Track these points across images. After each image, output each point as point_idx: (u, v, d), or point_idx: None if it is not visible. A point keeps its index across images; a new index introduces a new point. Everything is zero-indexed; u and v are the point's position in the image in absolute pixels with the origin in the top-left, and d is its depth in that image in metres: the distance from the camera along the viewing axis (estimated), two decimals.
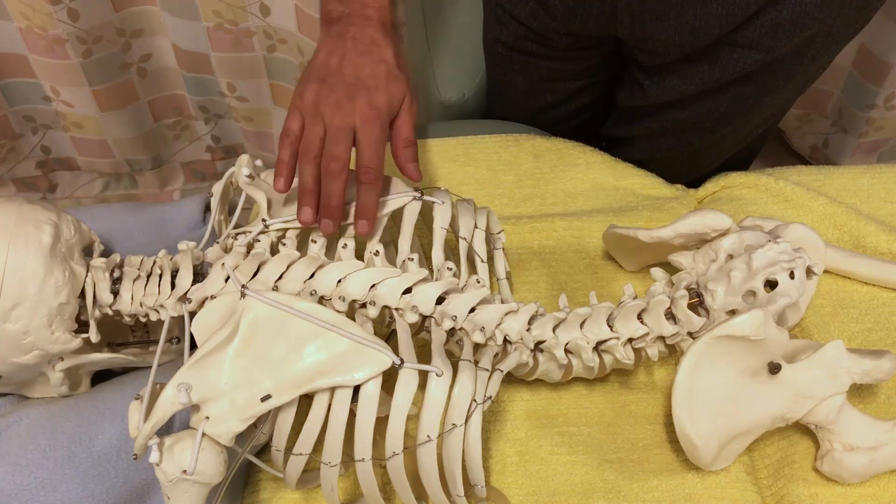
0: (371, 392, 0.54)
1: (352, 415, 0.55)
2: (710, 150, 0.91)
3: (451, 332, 0.60)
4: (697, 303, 0.61)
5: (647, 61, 0.82)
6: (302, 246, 0.63)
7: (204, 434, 0.54)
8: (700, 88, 0.80)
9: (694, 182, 0.86)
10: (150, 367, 0.60)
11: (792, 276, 0.59)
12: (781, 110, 0.90)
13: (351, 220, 0.63)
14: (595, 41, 0.84)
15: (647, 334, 0.60)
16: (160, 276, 0.63)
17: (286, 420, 0.56)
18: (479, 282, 0.62)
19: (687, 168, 0.93)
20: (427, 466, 0.55)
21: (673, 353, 0.62)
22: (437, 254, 0.63)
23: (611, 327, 0.61)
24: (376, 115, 0.61)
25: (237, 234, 0.64)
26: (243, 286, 0.57)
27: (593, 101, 0.95)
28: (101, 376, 0.68)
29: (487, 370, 0.57)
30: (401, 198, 0.64)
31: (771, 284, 0.59)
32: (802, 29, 0.72)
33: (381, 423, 0.54)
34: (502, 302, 0.63)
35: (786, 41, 0.73)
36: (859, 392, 0.68)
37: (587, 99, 0.94)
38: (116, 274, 0.63)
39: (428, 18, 0.97)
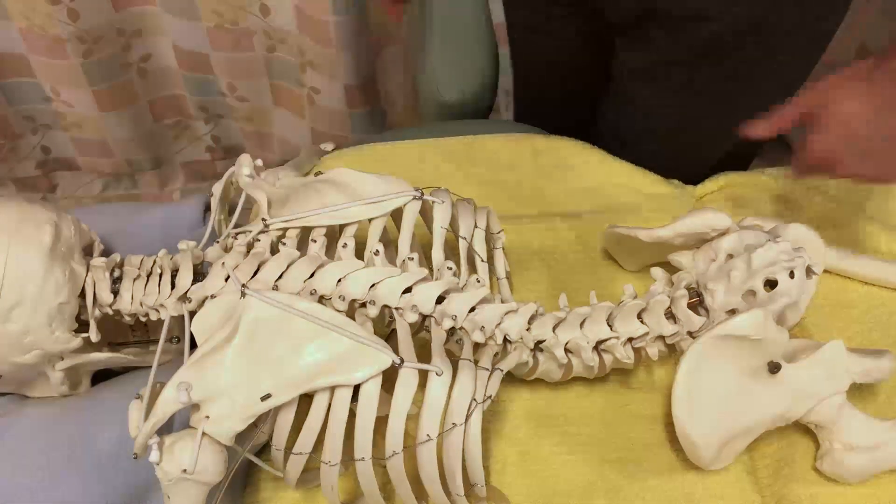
0: (371, 391, 0.54)
1: (352, 414, 0.55)
2: (699, 148, 0.91)
3: (451, 332, 0.60)
4: (697, 302, 0.61)
5: (612, 17, 0.82)
6: (302, 245, 0.63)
7: (204, 433, 0.54)
8: (666, 60, 0.80)
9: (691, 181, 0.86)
10: (150, 366, 0.60)
11: (792, 275, 0.59)
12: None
13: (351, 219, 0.63)
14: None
15: (647, 334, 0.60)
16: (160, 276, 0.63)
17: (286, 419, 0.56)
18: (478, 281, 0.62)
19: (683, 171, 0.93)
20: (427, 466, 0.55)
21: (673, 352, 0.62)
22: (437, 253, 0.62)
23: (611, 327, 0.61)
24: None
25: (237, 234, 0.64)
26: (243, 286, 0.57)
27: (592, 64, 0.95)
28: (101, 376, 0.68)
29: (487, 369, 0.57)
30: (401, 197, 0.64)
31: (771, 284, 0.59)
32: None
33: (381, 422, 0.54)
34: (502, 301, 0.63)
35: (740, 8, 0.72)
36: (859, 392, 0.67)
37: (587, 57, 0.95)
38: (116, 273, 0.63)
39: (428, 18, 0.97)
